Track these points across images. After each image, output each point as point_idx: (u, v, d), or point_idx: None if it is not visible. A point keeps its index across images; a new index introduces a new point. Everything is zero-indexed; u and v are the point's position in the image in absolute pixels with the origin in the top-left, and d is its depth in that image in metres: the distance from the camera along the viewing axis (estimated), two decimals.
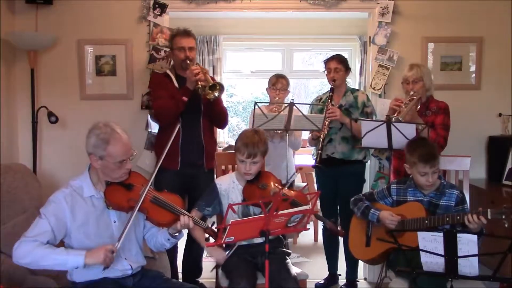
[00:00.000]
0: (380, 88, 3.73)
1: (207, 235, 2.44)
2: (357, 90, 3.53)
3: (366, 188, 3.59)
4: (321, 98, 3.50)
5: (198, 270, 3.45)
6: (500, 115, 3.80)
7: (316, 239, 4.83)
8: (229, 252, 2.42)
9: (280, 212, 2.03)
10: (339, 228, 2.62)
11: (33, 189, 2.88)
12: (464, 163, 2.88)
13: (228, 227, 1.96)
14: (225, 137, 6.09)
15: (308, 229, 2.35)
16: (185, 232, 2.45)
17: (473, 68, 3.79)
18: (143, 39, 3.68)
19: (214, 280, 2.86)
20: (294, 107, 3.09)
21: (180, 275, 3.43)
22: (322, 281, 3.58)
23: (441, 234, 2.05)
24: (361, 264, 3.61)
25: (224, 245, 2.45)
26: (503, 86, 3.78)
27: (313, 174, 4.17)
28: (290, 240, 4.70)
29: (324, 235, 3.60)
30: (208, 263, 3.68)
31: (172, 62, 3.68)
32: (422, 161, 2.50)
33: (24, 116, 3.67)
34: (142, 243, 2.37)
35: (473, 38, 3.76)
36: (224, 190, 2.63)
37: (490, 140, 3.81)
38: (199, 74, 2.97)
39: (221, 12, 4.06)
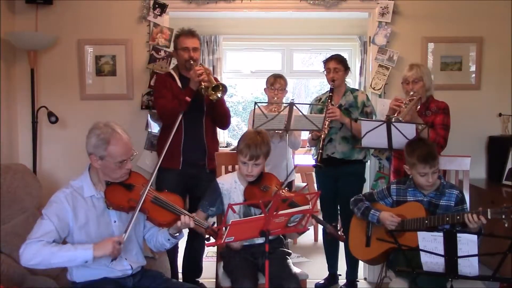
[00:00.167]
0: (380, 88, 3.73)
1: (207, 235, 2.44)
2: (357, 90, 3.53)
3: (366, 188, 3.59)
4: (320, 98, 3.50)
5: (198, 270, 3.45)
6: (500, 115, 3.80)
7: (316, 239, 4.83)
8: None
9: (280, 212, 2.03)
10: (339, 233, 2.61)
11: (33, 189, 2.88)
12: (464, 163, 2.88)
13: (228, 227, 1.96)
14: (225, 137, 6.10)
15: (308, 229, 2.35)
16: (185, 232, 2.45)
17: (473, 68, 3.79)
18: (143, 39, 3.68)
19: (214, 280, 2.86)
20: (294, 107, 3.09)
21: (180, 275, 3.43)
22: (322, 281, 3.58)
23: (441, 234, 2.05)
24: (361, 264, 3.61)
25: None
26: (503, 86, 3.78)
27: (313, 174, 4.17)
28: (290, 240, 4.70)
29: (324, 235, 3.60)
30: (208, 263, 3.69)
31: (172, 62, 3.70)
32: (421, 162, 2.50)
33: (24, 116, 3.67)
34: (142, 243, 2.37)
35: (473, 38, 3.76)
36: (226, 190, 2.63)
37: (490, 140, 3.81)
38: (202, 74, 2.98)
39: (221, 12, 4.06)
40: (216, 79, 3.18)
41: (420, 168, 2.51)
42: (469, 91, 3.80)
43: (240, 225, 2.01)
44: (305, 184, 4.70)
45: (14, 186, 2.73)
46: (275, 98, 3.51)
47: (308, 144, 3.54)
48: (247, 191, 2.57)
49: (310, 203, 2.26)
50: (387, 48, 3.71)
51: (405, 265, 2.20)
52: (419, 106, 3.08)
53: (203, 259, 3.48)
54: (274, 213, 2.01)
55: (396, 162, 3.15)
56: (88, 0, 3.66)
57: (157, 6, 3.64)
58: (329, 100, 3.28)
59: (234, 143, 5.92)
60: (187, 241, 3.37)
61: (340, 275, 3.62)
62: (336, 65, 3.33)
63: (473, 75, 3.80)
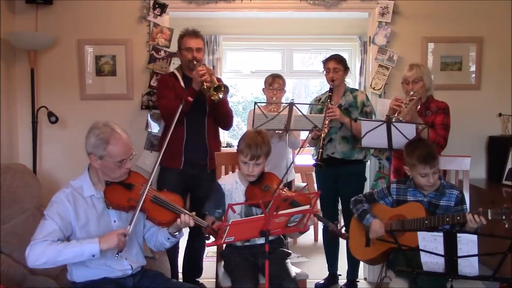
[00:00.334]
0: (380, 88, 3.73)
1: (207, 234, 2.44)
2: (356, 90, 3.53)
3: (367, 188, 3.59)
4: (320, 99, 3.50)
5: (198, 270, 3.45)
6: (500, 115, 3.80)
7: (316, 239, 4.83)
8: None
9: (280, 212, 2.03)
10: (342, 231, 2.62)
11: (33, 189, 2.88)
12: (464, 163, 2.88)
13: (228, 227, 1.96)
14: (225, 137, 6.10)
15: (308, 229, 2.35)
16: (185, 232, 2.45)
17: (473, 68, 3.79)
18: (143, 39, 3.68)
19: (214, 280, 2.86)
20: (294, 107, 3.08)
21: (180, 275, 3.43)
22: (322, 281, 3.58)
23: (441, 234, 2.05)
24: (361, 264, 3.61)
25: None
26: (503, 86, 3.78)
27: (313, 174, 4.16)
28: (290, 240, 4.70)
29: (324, 235, 3.60)
30: (208, 263, 3.68)
31: (172, 62, 3.70)
32: (421, 163, 2.49)
33: (24, 116, 3.68)
34: (142, 243, 2.37)
35: (473, 38, 3.76)
36: (228, 190, 2.63)
37: (490, 140, 3.81)
38: (205, 75, 2.98)
39: (221, 12, 4.06)
40: (219, 80, 3.19)
41: (420, 168, 2.50)
42: (469, 91, 3.80)
43: (240, 225, 2.02)
44: (305, 184, 4.70)
45: (14, 186, 2.73)
46: (274, 98, 3.51)
47: (308, 144, 3.55)
48: (248, 191, 2.57)
49: (310, 203, 2.27)
50: (387, 48, 3.71)
51: (405, 265, 2.20)
52: (419, 106, 3.08)
53: (203, 259, 3.48)
54: (274, 213, 2.01)
55: (396, 162, 3.15)
56: (88, 0, 3.66)
57: (157, 6, 3.64)
58: (328, 100, 3.28)
59: (234, 143, 5.93)
60: (187, 241, 3.37)
61: (340, 275, 3.62)
62: (336, 65, 3.33)
63: (473, 75, 3.80)
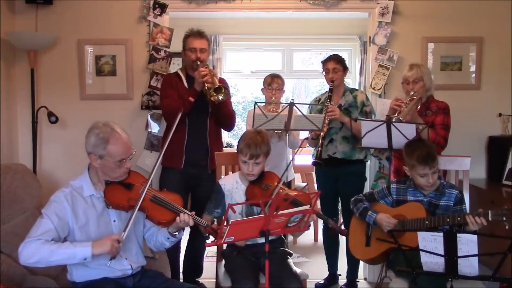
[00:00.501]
0: (380, 88, 3.73)
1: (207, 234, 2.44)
2: (356, 89, 3.53)
3: (367, 188, 3.59)
4: (320, 99, 3.50)
5: (199, 270, 3.45)
6: (500, 115, 3.80)
7: (316, 239, 4.83)
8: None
9: (280, 212, 2.03)
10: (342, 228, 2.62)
11: (33, 189, 2.88)
12: (464, 163, 2.88)
13: (228, 227, 1.96)
14: (225, 137, 6.10)
15: (308, 229, 2.35)
16: (186, 232, 2.45)
17: (473, 68, 3.79)
18: (143, 39, 3.68)
19: (214, 280, 2.86)
20: (294, 107, 3.09)
21: (180, 275, 3.42)
22: (322, 281, 3.58)
23: (441, 234, 2.05)
24: (361, 264, 3.61)
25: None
26: (503, 86, 3.78)
27: (313, 174, 4.16)
28: (290, 240, 4.69)
29: (324, 235, 3.60)
30: (208, 263, 3.68)
31: (171, 62, 3.70)
32: (421, 163, 2.49)
33: (24, 116, 3.68)
34: (142, 243, 2.37)
35: (473, 38, 3.76)
36: (228, 190, 2.64)
37: (490, 140, 3.81)
38: (206, 76, 2.98)
39: (221, 12, 4.06)
40: (223, 81, 3.20)
41: (420, 169, 2.51)
42: (469, 91, 3.80)
43: (240, 225, 2.02)
44: (305, 184, 4.70)
45: (14, 186, 2.73)
46: (273, 98, 3.51)
47: (307, 145, 3.55)
48: (248, 190, 2.58)
49: (311, 202, 2.27)
50: (387, 48, 3.71)
51: (405, 265, 2.20)
52: (419, 106, 3.08)
53: (203, 259, 3.48)
54: (274, 213, 2.01)
55: (397, 162, 3.15)
56: (88, 0, 3.66)
57: (157, 6, 3.64)
58: (328, 100, 3.28)
59: (234, 143, 5.93)
60: (188, 241, 3.37)
61: (340, 275, 3.62)
62: (335, 65, 3.32)
63: (473, 75, 3.80)
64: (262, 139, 2.55)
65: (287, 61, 6.31)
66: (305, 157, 4.54)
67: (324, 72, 3.39)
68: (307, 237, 4.88)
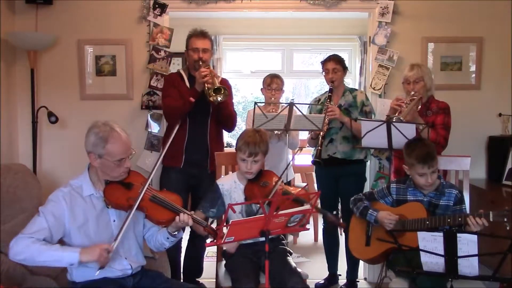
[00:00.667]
0: (380, 88, 3.73)
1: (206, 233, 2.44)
2: (356, 89, 3.53)
3: (367, 188, 3.59)
4: (319, 99, 3.50)
5: (199, 270, 3.45)
6: (500, 115, 3.80)
7: (316, 239, 4.83)
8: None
9: (280, 212, 2.04)
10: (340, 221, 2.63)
11: (33, 189, 2.88)
12: (464, 163, 2.88)
13: (228, 227, 1.96)
14: (224, 137, 6.08)
15: (308, 229, 2.35)
16: (186, 232, 2.45)
17: (473, 68, 3.79)
18: (143, 39, 3.68)
19: (214, 280, 2.86)
20: (294, 107, 3.09)
21: (180, 275, 3.42)
22: (322, 281, 3.58)
23: (441, 234, 2.05)
24: (361, 264, 3.61)
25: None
26: (503, 86, 3.78)
27: (313, 174, 4.17)
28: (290, 240, 4.70)
29: (324, 235, 3.60)
30: (208, 263, 3.68)
31: (172, 62, 3.70)
32: (420, 162, 2.49)
33: (24, 116, 3.68)
34: (142, 243, 2.37)
35: (473, 38, 3.76)
36: (226, 190, 2.64)
37: (490, 140, 3.81)
38: (207, 76, 2.98)
39: (221, 12, 4.06)
40: (225, 81, 3.20)
41: (419, 168, 2.51)
42: (469, 91, 3.80)
43: (240, 225, 2.02)
44: (305, 184, 4.70)
45: (14, 186, 2.74)
46: (272, 98, 3.51)
47: (307, 145, 3.55)
48: (247, 188, 2.59)
49: (310, 203, 2.27)
50: (387, 48, 3.71)
51: (405, 265, 2.20)
52: (420, 106, 3.08)
53: (204, 259, 3.48)
54: (274, 213, 2.01)
55: (397, 162, 3.14)
56: (88, 0, 3.66)
57: (157, 6, 3.64)
58: (328, 100, 3.28)
59: (234, 143, 5.91)
60: (188, 241, 3.37)
61: (340, 275, 3.61)
62: (335, 66, 3.32)
63: (473, 75, 3.80)
64: (261, 138, 2.57)
65: (287, 61, 6.31)
66: (305, 157, 4.54)
67: (323, 73, 3.39)
68: (307, 237, 4.88)
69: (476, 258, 2.01)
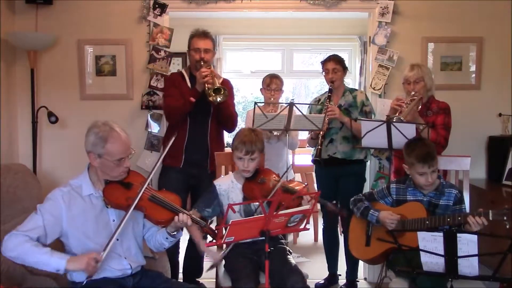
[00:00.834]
0: (380, 88, 3.73)
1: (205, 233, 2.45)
2: (356, 89, 3.53)
3: (367, 188, 3.59)
4: (319, 99, 3.50)
5: (198, 270, 3.45)
6: (500, 115, 3.80)
7: (316, 239, 4.83)
8: (224, 252, 2.42)
9: (280, 212, 2.04)
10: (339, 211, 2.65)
11: (33, 189, 2.88)
12: (464, 163, 2.88)
13: (228, 227, 1.96)
14: (225, 137, 6.09)
15: (308, 229, 2.35)
16: (185, 232, 2.45)
17: (473, 68, 3.79)
18: (143, 39, 3.68)
19: (214, 280, 2.86)
20: (294, 107, 3.09)
21: (180, 275, 3.43)
22: (322, 281, 3.58)
23: (441, 234, 2.05)
24: (361, 264, 3.61)
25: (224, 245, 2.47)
26: (503, 86, 3.78)
27: (313, 174, 4.17)
28: (290, 240, 4.70)
29: (324, 235, 3.60)
30: (208, 263, 3.68)
31: (171, 62, 3.70)
32: (420, 162, 2.49)
33: (24, 116, 3.68)
34: (142, 243, 2.36)
35: (473, 38, 3.76)
36: (224, 190, 2.65)
37: (490, 140, 3.81)
38: (207, 76, 2.98)
39: (221, 12, 4.06)
40: (227, 82, 3.21)
41: (419, 168, 2.51)
42: (469, 91, 3.80)
43: (240, 225, 2.02)
44: (305, 184, 4.70)
45: (14, 186, 2.74)
46: (272, 98, 3.51)
47: (307, 145, 3.55)
48: (245, 187, 2.61)
49: (310, 203, 2.27)
50: (387, 48, 3.71)
51: (405, 265, 2.20)
52: (420, 106, 3.08)
53: (204, 259, 3.48)
54: (274, 213, 2.01)
55: (397, 162, 3.14)
56: (88, 0, 3.66)
57: (157, 6, 3.64)
58: (328, 100, 3.28)
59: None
60: (188, 241, 3.37)
61: (340, 275, 3.61)
62: (335, 66, 3.33)
63: (473, 75, 3.80)
64: (256, 136, 2.60)
65: (287, 61, 6.31)
66: (305, 157, 4.55)
67: (323, 73, 3.39)
68: (307, 237, 4.88)
69: (476, 258, 2.01)
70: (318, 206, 3.44)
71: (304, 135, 3.82)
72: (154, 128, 3.67)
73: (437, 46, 3.77)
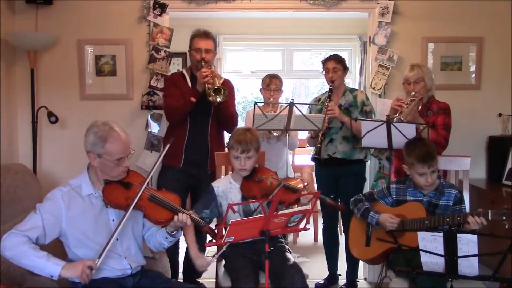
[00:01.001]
0: (380, 88, 3.73)
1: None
2: (356, 89, 3.53)
3: (367, 188, 3.59)
4: (319, 99, 3.50)
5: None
6: (500, 115, 3.80)
7: (316, 239, 4.83)
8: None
9: (280, 212, 2.04)
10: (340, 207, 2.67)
11: (33, 189, 2.88)
12: (464, 163, 2.88)
13: (228, 227, 1.96)
14: (225, 137, 6.09)
15: (308, 229, 2.35)
16: None
17: (473, 68, 3.79)
18: (143, 39, 3.68)
19: (214, 280, 2.86)
20: (294, 107, 3.09)
21: (180, 275, 3.42)
22: (322, 281, 3.58)
23: (441, 234, 2.05)
24: (361, 264, 3.61)
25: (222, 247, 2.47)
26: (503, 86, 3.78)
27: (313, 174, 4.17)
28: (290, 240, 4.69)
29: (324, 235, 3.60)
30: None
31: (171, 62, 3.70)
32: (420, 162, 2.49)
33: (24, 116, 3.68)
34: (142, 242, 2.36)
35: (473, 38, 3.76)
36: (222, 191, 2.66)
37: (490, 140, 3.81)
38: (207, 76, 2.98)
39: (221, 12, 4.06)
40: (228, 83, 3.21)
41: (419, 168, 2.51)
42: (469, 91, 3.80)
43: (240, 225, 2.02)
44: (305, 184, 4.69)
45: (14, 186, 2.73)
46: (271, 99, 3.51)
47: (307, 145, 3.55)
48: (243, 186, 2.63)
49: (310, 203, 2.27)
50: (387, 48, 3.71)
51: (405, 265, 2.20)
52: (420, 107, 3.08)
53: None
54: (274, 213, 2.01)
55: (398, 162, 3.14)
56: (88, 0, 3.66)
57: (157, 6, 3.64)
58: (328, 99, 3.28)
59: None
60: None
61: (340, 275, 3.61)
62: (335, 65, 3.33)
63: (473, 75, 3.80)
64: (251, 135, 2.62)
65: (287, 61, 6.31)
66: (305, 157, 4.55)
67: (324, 72, 3.39)
68: (307, 237, 4.88)
69: (476, 258, 2.01)
70: (318, 206, 3.45)
71: (304, 135, 3.82)
72: (154, 128, 3.67)
73: (437, 46, 3.77)
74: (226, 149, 3.45)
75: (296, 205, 2.65)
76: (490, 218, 2.31)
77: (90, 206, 2.17)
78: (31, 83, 3.57)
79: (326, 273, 3.62)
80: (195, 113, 3.13)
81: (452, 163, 2.91)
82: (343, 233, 3.58)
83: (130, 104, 3.72)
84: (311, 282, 3.36)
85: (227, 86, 3.12)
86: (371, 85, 3.76)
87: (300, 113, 3.12)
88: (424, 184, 2.54)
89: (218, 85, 2.99)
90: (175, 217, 2.18)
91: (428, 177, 2.51)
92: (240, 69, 6.40)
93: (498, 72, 3.78)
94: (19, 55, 3.64)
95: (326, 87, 3.41)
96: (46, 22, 3.65)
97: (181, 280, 3.31)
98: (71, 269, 2.00)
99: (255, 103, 3.07)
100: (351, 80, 6.02)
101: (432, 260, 2.09)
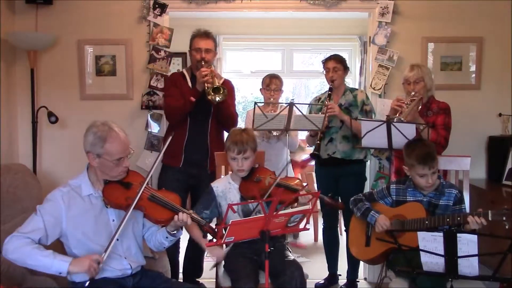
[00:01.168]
0: (380, 88, 3.73)
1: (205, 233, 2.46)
2: (356, 89, 3.53)
3: (367, 188, 3.59)
4: (320, 98, 3.50)
5: (199, 270, 3.45)
6: (500, 115, 3.80)
7: (316, 239, 4.83)
8: (228, 249, 2.43)
9: (280, 212, 2.04)
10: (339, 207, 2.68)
11: (33, 189, 2.88)
12: (464, 163, 2.88)
13: (228, 227, 1.96)
14: (225, 137, 6.09)
15: (308, 229, 2.36)
16: (185, 232, 2.45)
17: (473, 68, 3.79)
18: (143, 39, 3.68)
19: (214, 280, 2.86)
20: (294, 107, 3.09)
21: (180, 275, 3.42)
22: (322, 281, 3.58)
23: (441, 234, 2.05)
24: (361, 264, 3.60)
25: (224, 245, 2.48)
26: (503, 86, 3.78)
27: (313, 174, 4.17)
28: (290, 240, 4.69)
29: (324, 235, 3.60)
30: (208, 263, 3.68)
31: (171, 62, 3.71)
32: (420, 163, 2.49)
33: (24, 116, 3.68)
34: (142, 242, 2.36)
35: (473, 38, 3.76)
36: (221, 192, 2.67)
37: (490, 140, 3.81)
38: (207, 76, 2.98)
39: (221, 12, 4.06)
40: (228, 82, 3.21)
41: (419, 169, 2.50)
42: (469, 91, 3.80)
43: (240, 225, 2.02)
44: (305, 184, 4.70)
45: (14, 186, 2.73)
46: (272, 99, 3.51)
47: (307, 144, 3.55)
48: (241, 186, 2.63)
49: (310, 203, 2.27)
50: (387, 48, 3.71)
51: (405, 265, 2.20)
52: (420, 107, 3.08)
53: (204, 259, 3.48)
54: (274, 213, 2.01)
55: (398, 162, 3.14)
56: (88, 0, 3.66)
57: (157, 6, 3.64)
58: (328, 98, 3.28)
59: None
60: (188, 241, 3.37)
61: (340, 275, 3.61)
62: (336, 65, 3.33)
63: (473, 75, 3.80)
64: (248, 135, 2.63)
65: (287, 61, 6.31)
66: (305, 157, 4.55)
67: (324, 71, 3.40)
68: (307, 237, 4.88)
69: (476, 258, 2.01)
70: (318, 206, 3.44)
71: (303, 135, 3.82)
72: (154, 128, 3.67)
73: (437, 46, 3.77)
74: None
75: (296, 205, 2.65)
76: (490, 218, 2.31)
77: (90, 206, 2.17)
78: (31, 83, 3.57)
79: (326, 273, 3.62)
80: (195, 113, 3.13)
81: (452, 163, 2.91)
82: (343, 233, 3.57)
83: (130, 104, 3.72)
84: (311, 282, 3.37)
85: (227, 86, 3.12)
86: (371, 85, 3.76)
87: (300, 113, 3.11)
88: (425, 185, 2.53)
89: (217, 84, 2.99)
90: (176, 216, 2.18)
91: (428, 178, 2.50)
92: (240, 69, 6.40)
93: (498, 72, 3.78)
94: (19, 55, 3.64)
95: (326, 87, 3.41)
96: (46, 22, 3.65)
97: (181, 280, 3.31)
98: (79, 264, 2.00)
99: (255, 103, 3.07)
100: (351, 80, 6.02)
101: (432, 260, 2.09)
